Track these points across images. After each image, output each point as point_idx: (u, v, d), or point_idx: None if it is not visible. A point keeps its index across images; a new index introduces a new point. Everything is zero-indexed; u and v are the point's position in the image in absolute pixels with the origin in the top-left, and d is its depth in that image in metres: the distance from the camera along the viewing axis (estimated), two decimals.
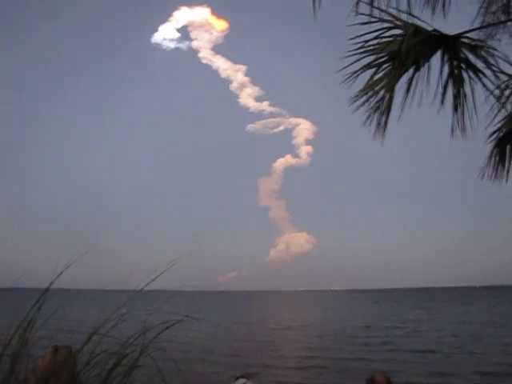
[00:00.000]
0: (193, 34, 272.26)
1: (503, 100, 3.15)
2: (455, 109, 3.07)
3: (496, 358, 15.16)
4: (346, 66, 2.98)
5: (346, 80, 3.02)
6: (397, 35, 2.99)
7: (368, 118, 3.12)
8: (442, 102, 3.07)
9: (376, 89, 3.08)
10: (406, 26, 2.94)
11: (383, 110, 3.10)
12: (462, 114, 3.07)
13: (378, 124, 3.12)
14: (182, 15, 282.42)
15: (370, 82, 3.06)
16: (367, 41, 2.98)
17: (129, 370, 2.27)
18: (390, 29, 2.99)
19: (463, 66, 3.03)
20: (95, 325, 2.32)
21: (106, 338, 2.30)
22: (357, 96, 3.08)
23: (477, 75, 3.03)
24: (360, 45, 2.99)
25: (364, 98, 3.08)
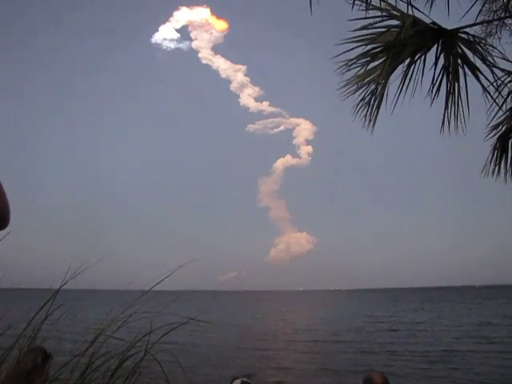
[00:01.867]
0: (193, 34, 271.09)
1: (499, 96, 3.14)
2: (446, 104, 3.04)
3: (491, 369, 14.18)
4: (340, 54, 2.96)
5: (339, 69, 3.00)
6: (394, 26, 2.96)
7: (358, 107, 3.11)
8: (435, 96, 3.06)
9: (369, 79, 3.05)
10: (403, 16, 2.90)
11: (375, 100, 3.07)
12: (455, 109, 3.03)
13: (369, 114, 3.10)
14: (182, 15, 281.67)
15: (363, 72, 3.03)
16: (363, 29, 2.94)
17: (132, 371, 2.27)
18: (387, 19, 2.95)
19: (459, 61, 3.01)
20: (100, 326, 2.32)
21: (110, 339, 2.31)
22: (347, 84, 3.05)
23: (472, 71, 3.00)
24: (356, 34, 2.94)
25: (355, 87, 3.05)
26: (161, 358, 2.34)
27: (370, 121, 3.12)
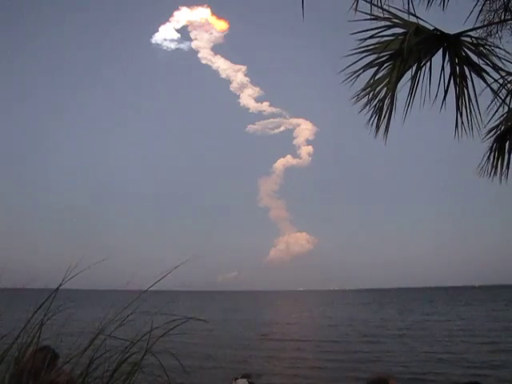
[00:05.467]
0: (193, 34, 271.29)
1: (504, 97, 3.15)
2: (458, 107, 3.05)
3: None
4: (348, 67, 2.97)
5: (346, 79, 3.00)
6: (398, 34, 2.98)
7: (371, 117, 3.11)
8: (443, 101, 3.05)
9: (378, 88, 3.06)
10: (407, 24, 2.93)
11: (386, 109, 3.08)
12: (466, 112, 3.05)
13: (381, 123, 3.11)
14: (182, 15, 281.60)
15: (372, 82, 3.05)
16: (367, 39, 2.96)
17: (133, 370, 2.26)
18: (390, 27, 2.97)
19: (464, 64, 3.02)
20: (100, 325, 2.32)
21: (110, 338, 2.30)
22: (358, 95, 3.07)
23: (478, 73, 3.01)
24: (361, 44, 2.96)
25: (366, 97, 3.07)
26: (161, 357, 2.33)
27: (381, 129, 3.13)
